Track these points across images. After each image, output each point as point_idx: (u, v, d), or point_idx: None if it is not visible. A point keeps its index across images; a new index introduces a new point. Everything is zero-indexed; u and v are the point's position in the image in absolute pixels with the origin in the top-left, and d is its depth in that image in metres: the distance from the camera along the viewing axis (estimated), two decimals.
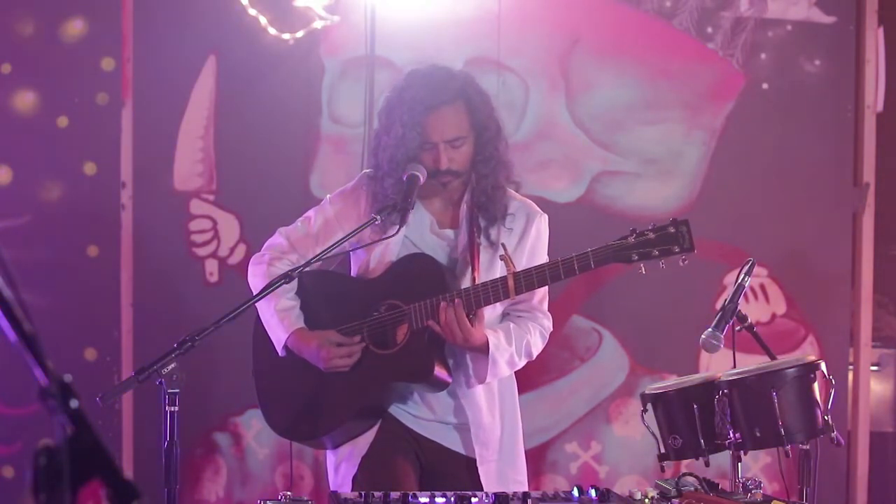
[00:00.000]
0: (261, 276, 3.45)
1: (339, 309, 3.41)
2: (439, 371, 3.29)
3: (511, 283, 3.18)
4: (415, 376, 3.32)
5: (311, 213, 3.52)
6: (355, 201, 3.44)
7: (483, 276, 3.31)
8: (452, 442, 3.41)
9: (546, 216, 3.47)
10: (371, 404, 3.38)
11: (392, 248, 3.38)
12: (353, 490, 3.30)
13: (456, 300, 3.20)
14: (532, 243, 3.41)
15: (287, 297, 3.42)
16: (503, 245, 3.27)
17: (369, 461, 3.37)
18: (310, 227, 3.47)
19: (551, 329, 3.50)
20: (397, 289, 3.33)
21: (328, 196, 3.54)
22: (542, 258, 3.39)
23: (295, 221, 3.54)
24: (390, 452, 3.36)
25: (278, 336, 3.42)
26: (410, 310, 3.28)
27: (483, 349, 3.27)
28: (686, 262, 3.10)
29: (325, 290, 3.48)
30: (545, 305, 3.49)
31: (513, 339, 3.35)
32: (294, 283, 3.40)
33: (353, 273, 3.52)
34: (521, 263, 3.30)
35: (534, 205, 3.48)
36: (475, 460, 3.39)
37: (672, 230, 3.06)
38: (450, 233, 3.41)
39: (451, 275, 3.34)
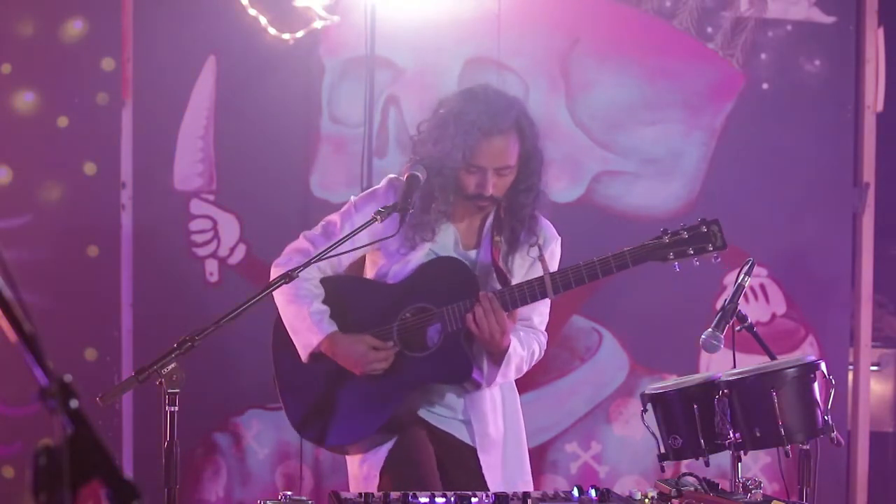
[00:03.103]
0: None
1: (364, 313, 3.40)
2: (475, 371, 3.32)
3: (549, 282, 3.21)
4: (453, 377, 3.34)
5: (335, 217, 3.49)
6: (382, 205, 3.39)
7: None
8: (463, 434, 3.42)
9: (560, 239, 3.50)
10: (404, 409, 3.36)
11: (415, 261, 3.38)
12: (380, 484, 3.31)
13: (489, 295, 3.22)
14: (545, 265, 3.41)
15: (318, 302, 3.39)
16: (539, 246, 3.32)
17: (395, 454, 3.36)
18: (335, 232, 3.43)
19: (545, 349, 3.53)
20: (426, 292, 3.34)
21: (353, 199, 3.51)
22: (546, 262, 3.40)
23: (318, 225, 3.51)
24: (415, 445, 3.37)
25: (308, 340, 3.37)
26: (444, 311, 3.29)
27: (502, 351, 3.29)
28: (719, 259, 3.21)
29: (350, 295, 3.46)
30: (543, 327, 3.53)
31: (524, 344, 3.39)
32: (321, 289, 3.40)
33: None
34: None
35: (552, 227, 3.50)
36: (467, 444, 3.41)
37: (704, 229, 3.16)
38: (472, 253, 3.43)
39: (484, 280, 3.37)
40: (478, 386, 3.37)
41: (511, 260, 3.39)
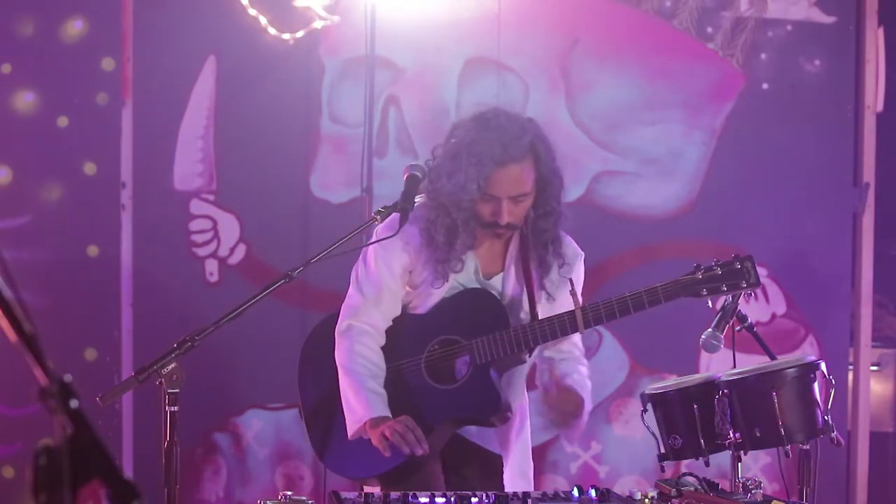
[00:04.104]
0: (346, 352, 3.35)
1: (394, 343, 3.38)
2: (504, 407, 3.28)
3: (580, 317, 3.18)
4: (481, 410, 3.29)
5: (370, 259, 3.39)
6: (401, 236, 3.32)
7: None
8: (471, 434, 3.40)
9: (583, 254, 3.45)
10: (432, 446, 3.29)
11: (439, 292, 3.34)
12: (381, 488, 3.29)
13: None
14: (576, 299, 3.36)
15: (378, 382, 3.33)
16: (571, 280, 3.26)
17: (402, 464, 3.33)
18: (370, 271, 3.37)
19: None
20: (455, 323, 3.31)
21: (376, 230, 3.40)
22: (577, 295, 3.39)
23: (355, 267, 3.43)
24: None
25: (358, 416, 3.29)
26: (473, 344, 3.26)
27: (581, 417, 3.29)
28: (752, 296, 3.22)
29: None
30: (581, 343, 3.49)
31: (586, 389, 3.36)
32: (384, 371, 3.34)
33: None
34: (557, 303, 3.31)
35: (574, 245, 3.44)
36: (493, 453, 3.41)
37: (738, 266, 3.13)
38: (496, 280, 3.38)
39: (511, 308, 3.33)
40: (505, 420, 3.32)
41: (545, 282, 3.34)
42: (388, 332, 3.40)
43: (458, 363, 3.32)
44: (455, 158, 3.24)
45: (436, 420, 3.30)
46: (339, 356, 3.37)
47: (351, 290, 3.43)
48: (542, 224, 3.32)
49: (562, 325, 3.21)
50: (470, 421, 3.35)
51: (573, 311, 3.19)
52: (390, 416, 3.27)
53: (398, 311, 3.41)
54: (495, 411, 3.27)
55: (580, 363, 3.44)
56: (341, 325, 3.40)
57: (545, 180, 3.29)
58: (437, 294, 3.35)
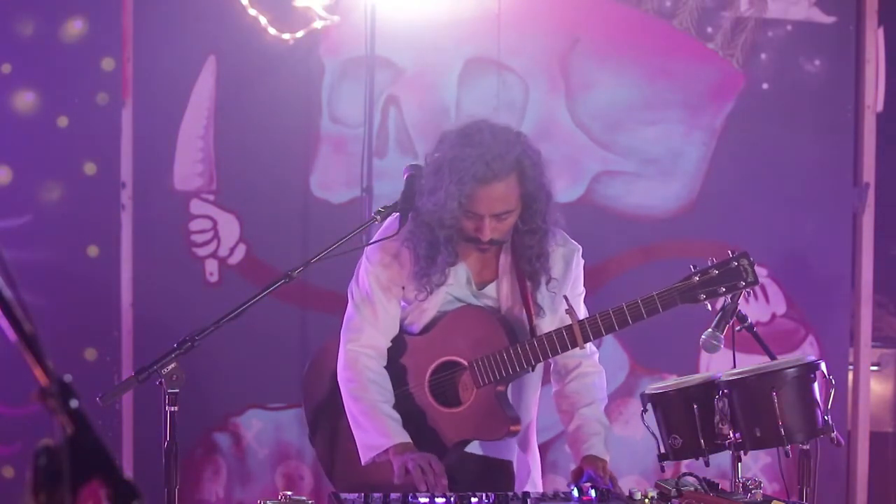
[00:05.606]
0: (355, 381, 3.31)
1: (395, 367, 3.35)
2: (513, 425, 3.27)
3: (577, 331, 3.15)
4: (489, 431, 3.26)
5: (362, 277, 3.36)
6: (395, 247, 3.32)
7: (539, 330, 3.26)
8: (475, 447, 3.38)
9: (580, 248, 3.39)
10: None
11: (433, 307, 3.31)
12: None
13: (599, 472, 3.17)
14: (573, 280, 3.35)
15: (390, 406, 3.28)
16: (566, 297, 3.19)
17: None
18: (367, 290, 3.34)
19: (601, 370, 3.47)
20: (454, 343, 3.28)
21: (367, 248, 3.39)
22: (580, 289, 3.37)
23: (350, 285, 3.41)
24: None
25: (376, 442, 3.26)
26: (474, 364, 3.23)
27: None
28: (752, 295, 3.14)
29: None
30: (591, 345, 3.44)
31: (598, 425, 3.32)
32: (393, 394, 3.31)
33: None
34: (558, 315, 3.27)
35: (569, 240, 3.38)
36: (494, 459, 3.38)
37: (735, 265, 3.06)
38: (490, 288, 3.34)
39: (509, 325, 3.28)
40: (513, 434, 3.29)
41: (535, 295, 3.28)
42: (392, 355, 3.36)
43: (461, 385, 3.28)
44: (437, 174, 3.17)
45: (444, 443, 3.28)
46: (348, 386, 3.32)
47: (349, 308, 3.39)
48: (527, 241, 3.25)
49: (561, 341, 3.17)
50: (478, 439, 3.32)
51: (571, 325, 3.15)
52: (411, 440, 3.24)
53: (396, 329, 3.37)
54: (502, 430, 3.25)
55: (588, 374, 3.39)
56: (345, 348, 3.35)
57: (531, 197, 3.21)
58: (431, 309, 3.31)
